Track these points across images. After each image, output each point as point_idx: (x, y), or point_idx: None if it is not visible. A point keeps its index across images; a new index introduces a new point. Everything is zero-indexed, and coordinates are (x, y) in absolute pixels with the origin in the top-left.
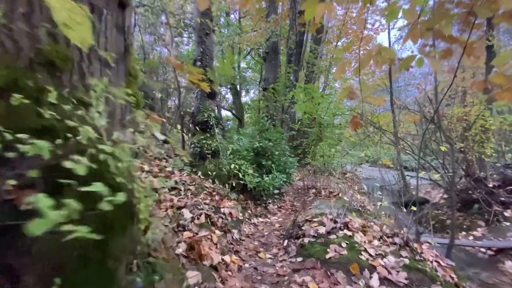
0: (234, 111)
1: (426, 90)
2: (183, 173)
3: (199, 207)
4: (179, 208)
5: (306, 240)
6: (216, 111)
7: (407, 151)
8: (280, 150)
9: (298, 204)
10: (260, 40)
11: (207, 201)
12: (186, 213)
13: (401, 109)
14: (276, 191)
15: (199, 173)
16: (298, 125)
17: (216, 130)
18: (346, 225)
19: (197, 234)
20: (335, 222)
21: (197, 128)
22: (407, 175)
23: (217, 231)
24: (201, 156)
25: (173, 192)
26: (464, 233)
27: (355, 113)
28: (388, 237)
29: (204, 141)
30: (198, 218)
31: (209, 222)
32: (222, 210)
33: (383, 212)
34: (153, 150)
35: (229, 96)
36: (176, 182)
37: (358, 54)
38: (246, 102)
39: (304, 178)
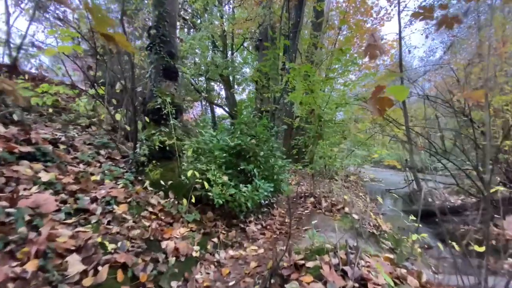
0: (227, 108)
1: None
2: (118, 183)
3: (109, 249)
4: (63, 254)
5: None
6: (179, 97)
7: (429, 150)
8: (267, 150)
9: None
10: (253, 26)
11: (138, 232)
12: (74, 264)
13: (420, 96)
14: (264, 202)
15: (147, 183)
16: (297, 121)
17: (174, 122)
18: (362, 281)
19: None
20: (344, 273)
21: (148, 119)
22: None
23: None
24: (151, 157)
25: (74, 219)
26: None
27: (363, 101)
28: None
29: (156, 137)
30: (95, 271)
31: (122, 275)
32: (163, 244)
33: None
34: (82, 149)
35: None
36: (93, 200)
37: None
38: (243, 100)
39: (300, 182)
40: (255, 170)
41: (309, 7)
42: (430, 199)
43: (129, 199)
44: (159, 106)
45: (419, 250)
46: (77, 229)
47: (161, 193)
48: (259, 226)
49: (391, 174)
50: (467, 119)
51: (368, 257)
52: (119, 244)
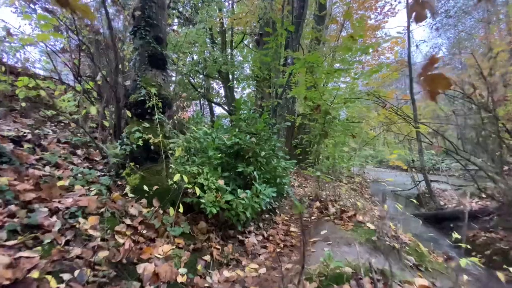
0: (226, 107)
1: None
2: (92, 189)
3: (58, 284)
4: None
5: None
6: (168, 88)
7: (447, 150)
8: (268, 150)
9: (295, 229)
10: (253, 20)
11: (106, 253)
12: None
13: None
14: (268, 206)
15: (127, 189)
16: (299, 119)
17: (160, 117)
18: None
19: None
20: None
21: (130, 113)
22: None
23: None
24: (133, 158)
25: (20, 239)
26: None
27: (375, 97)
28: None
29: (138, 134)
30: None
31: None
32: (140, 268)
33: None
34: (54, 148)
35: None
36: (53, 213)
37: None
38: (244, 99)
39: (303, 184)
40: (255, 172)
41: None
42: (441, 202)
43: (101, 210)
44: (142, 98)
45: (465, 278)
46: (20, 254)
47: (144, 200)
48: (260, 237)
49: (396, 175)
50: (490, 115)
51: (400, 286)
52: (76, 273)
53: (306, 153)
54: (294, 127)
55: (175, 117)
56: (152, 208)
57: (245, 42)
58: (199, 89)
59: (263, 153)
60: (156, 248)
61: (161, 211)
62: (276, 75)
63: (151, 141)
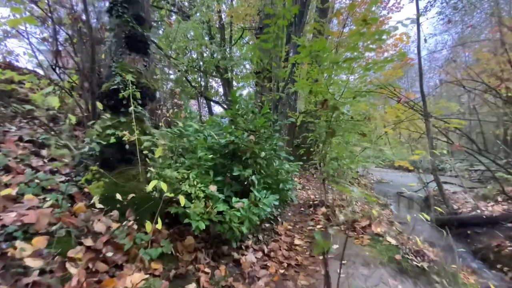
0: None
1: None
2: (48, 199)
3: None
4: None
5: None
6: (150, 76)
7: (468, 149)
8: (269, 150)
9: (300, 242)
10: (252, 11)
11: None
12: None
13: (454, 83)
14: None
15: (95, 198)
16: (302, 117)
17: (137, 109)
18: None
19: None
20: None
21: (101, 105)
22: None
23: None
24: (103, 160)
25: None
26: None
27: (388, 91)
28: None
29: (111, 131)
30: None
31: None
32: None
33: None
34: (9, 148)
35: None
36: None
37: None
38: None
39: (306, 186)
40: (254, 177)
41: None
42: (454, 206)
43: (54, 227)
44: (116, 87)
45: None
46: None
47: (116, 212)
48: (259, 254)
49: (401, 176)
50: None
51: None
52: None
53: (310, 153)
54: (295, 126)
55: (169, 114)
56: (125, 223)
57: (245, 40)
58: (195, 85)
59: (263, 154)
60: (122, 278)
61: (135, 226)
62: (277, 65)
63: (125, 138)
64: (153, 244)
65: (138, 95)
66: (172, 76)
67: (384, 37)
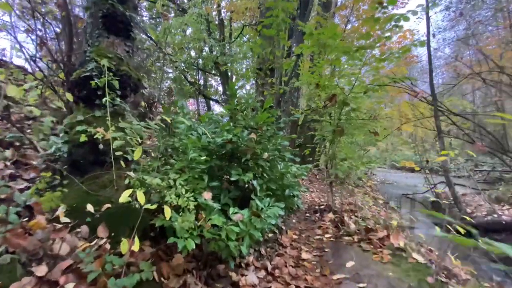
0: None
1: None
2: None
3: None
4: None
5: None
6: (131, 63)
7: (491, 149)
8: (273, 150)
9: (308, 256)
10: (251, 6)
11: None
12: None
13: (470, 76)
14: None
15: (60, 210)
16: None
17: (114, 101)
18: None
19: None
20: None
21: (70, 97)
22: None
23: None
24: (72, 162)
25: None
26: None
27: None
28: None
29: (82, 127)
30: None
31: None
32: None
33: None
34: None
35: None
36: None
37: None
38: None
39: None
40: (255, 181)
41: None
42: (467, 209)
43: None
44: (88, 74)
45: None
46: None
47: (85, 228)
48: (262, 273)
49: (406, 177)
50: None
51: None
52: None
53: (314, 153)
54: (297, 125)
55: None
56: (96, 241)
57: (245, 38)
58: (191, 80)
59: (266, 155)
60: None
61: (108, 246)
62: (281, 54)
63: (97, 136)
64: (131, 267)
65: (116, 84)
66: (170, 75)
67: (401, 23)
